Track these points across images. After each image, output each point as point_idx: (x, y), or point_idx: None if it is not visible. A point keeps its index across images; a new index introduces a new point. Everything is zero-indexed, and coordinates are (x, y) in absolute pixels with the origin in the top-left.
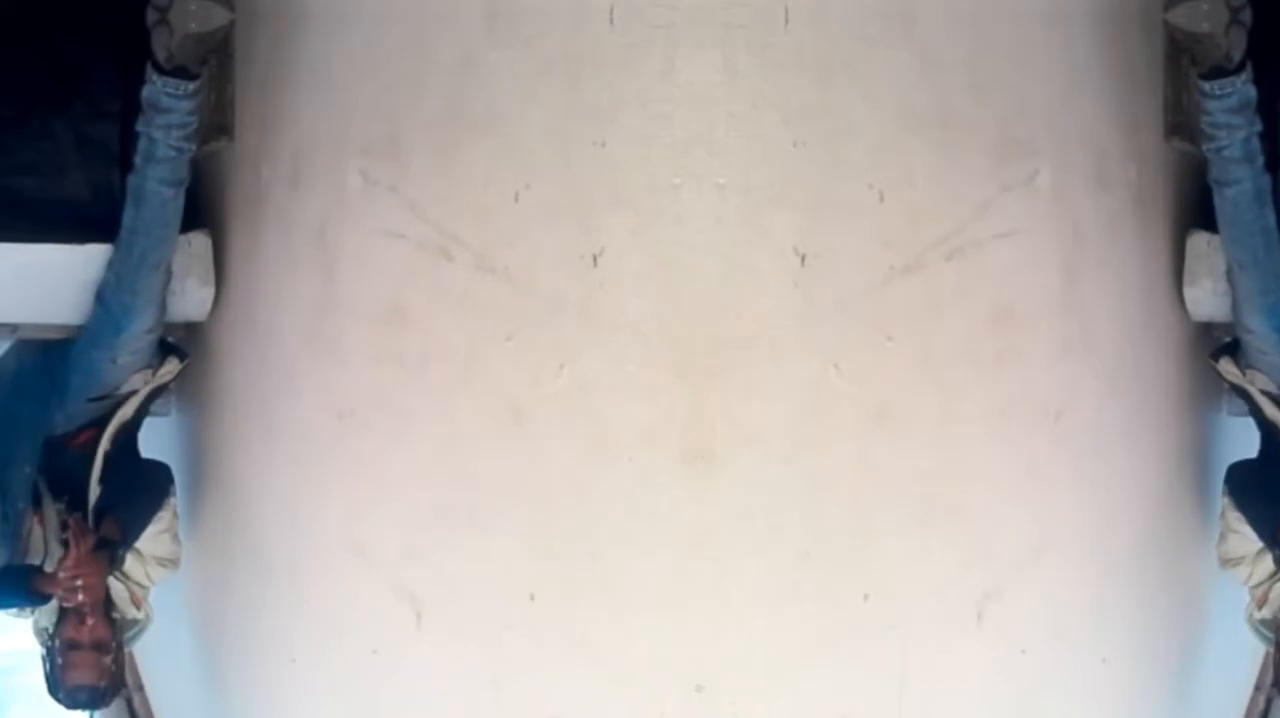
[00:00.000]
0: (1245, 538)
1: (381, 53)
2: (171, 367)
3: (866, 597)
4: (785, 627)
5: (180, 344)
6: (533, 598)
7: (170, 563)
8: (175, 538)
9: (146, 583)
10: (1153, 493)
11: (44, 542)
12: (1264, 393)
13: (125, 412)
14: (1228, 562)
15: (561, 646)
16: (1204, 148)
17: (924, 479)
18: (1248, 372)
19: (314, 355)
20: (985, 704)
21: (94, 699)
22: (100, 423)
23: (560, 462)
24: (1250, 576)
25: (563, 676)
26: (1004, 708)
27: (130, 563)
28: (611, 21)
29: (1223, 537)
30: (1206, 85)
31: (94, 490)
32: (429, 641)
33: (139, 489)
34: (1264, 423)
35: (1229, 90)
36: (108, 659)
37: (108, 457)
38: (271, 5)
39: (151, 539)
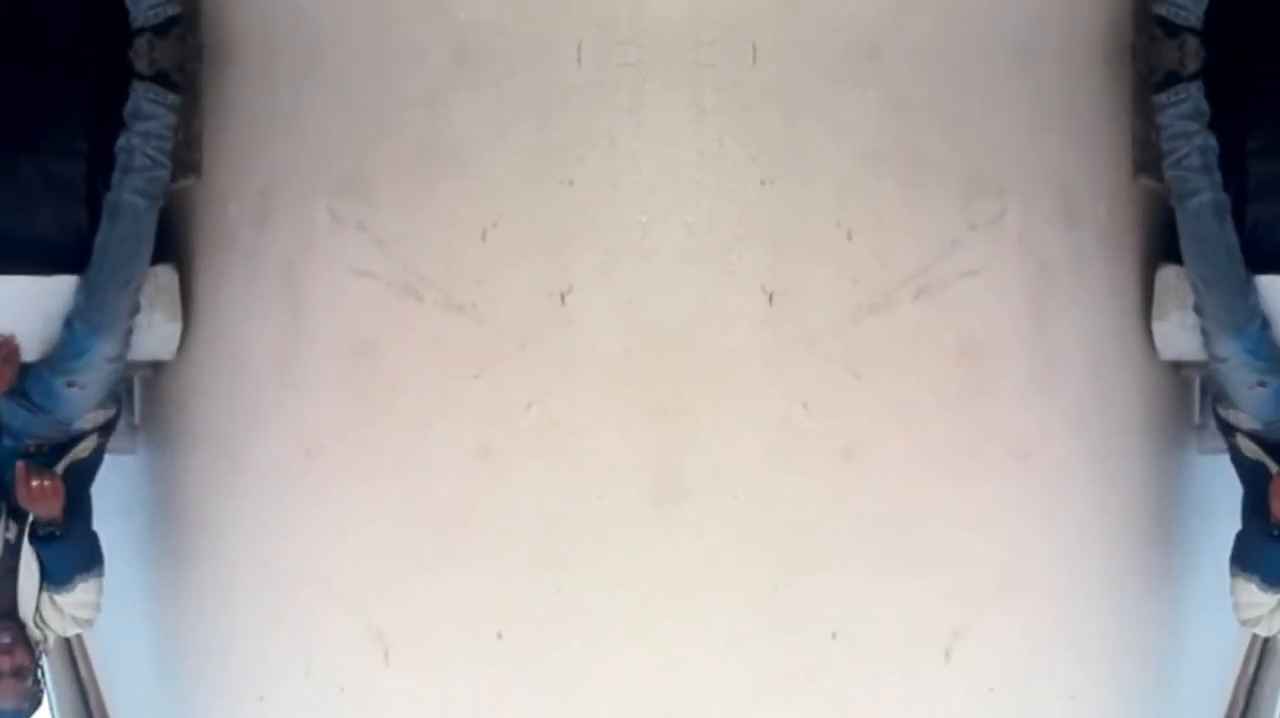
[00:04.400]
0: (1255, 598)
1: (349, 91)
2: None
3: (835, 634)
4: (754, 664)
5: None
6: (500, 636)
7: (85, 624)
8: (96, 608)
9: (58, 633)
10: (1121, 531)
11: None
12: (1245, 432)
13: (80, 450)
14: (1247, 622)
15: (529, 683)
16: (1164, 166)
17: (892, 517)
18: (1229, 413)
19: (282, 392)
20: None
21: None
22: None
23: (528, 499)
24: (1272, 625)
25: (531, 713)
26: None
27: (49, 612)
28: (579, 60)
29: (1238, 607)
30: (1162, 96)
31: None
32: (397, 678)
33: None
34: (1243, 462)
35: (1183, 96)
36: (28, 683)
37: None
38: (239, 44)
39: (78, 601)
